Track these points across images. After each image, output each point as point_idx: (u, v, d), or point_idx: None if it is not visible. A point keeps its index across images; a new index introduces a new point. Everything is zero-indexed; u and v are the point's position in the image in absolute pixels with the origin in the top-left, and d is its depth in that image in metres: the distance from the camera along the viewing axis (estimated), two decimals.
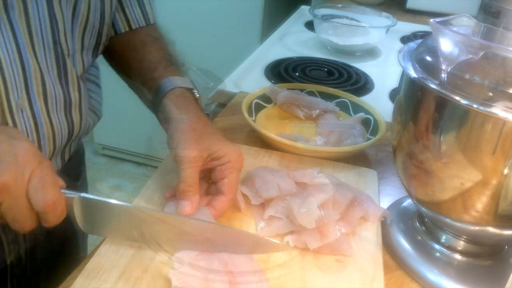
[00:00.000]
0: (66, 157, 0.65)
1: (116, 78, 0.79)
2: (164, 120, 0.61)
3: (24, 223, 0.44)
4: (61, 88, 0.57)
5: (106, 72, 0.76)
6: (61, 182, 0.46)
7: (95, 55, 0.64)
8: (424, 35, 1.36)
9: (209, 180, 0.59)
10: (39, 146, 0.56)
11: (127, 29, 0.69)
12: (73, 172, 0.73)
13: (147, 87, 0.65)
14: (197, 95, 0.63)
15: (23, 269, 0.66)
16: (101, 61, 0.75)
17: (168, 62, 0.67)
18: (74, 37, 0.58)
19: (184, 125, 0.56)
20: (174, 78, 0.62)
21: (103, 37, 0.64)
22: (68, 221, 0.47)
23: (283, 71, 1.06)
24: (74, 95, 0.59)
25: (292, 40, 1.32)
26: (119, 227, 0.50)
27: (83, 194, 0.47)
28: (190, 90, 0.63)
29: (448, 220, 0.51)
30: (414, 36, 1.45)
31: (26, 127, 0.54)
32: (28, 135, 0.54)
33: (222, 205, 0.55)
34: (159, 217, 0.51)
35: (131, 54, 0.69)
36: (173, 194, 0.57)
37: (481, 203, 0.46)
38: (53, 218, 0.44)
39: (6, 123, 0.53)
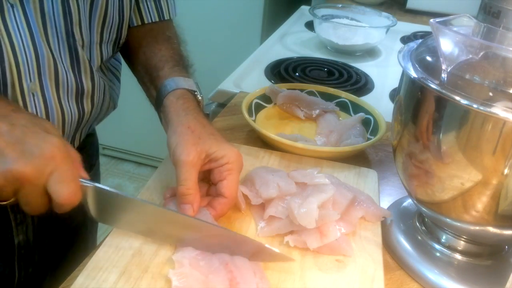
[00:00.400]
0: (76, 143, 0.66)
1: None
2: (164, 121, 0.61)
3: (35, 208, 0.45)
4: (74, 76, 0.59)
5: None
6: (83, 174, 0.48)
7: (115, 48, 0.66)
8: (424, 35, 1.36)
9: (209, 181, 0.59)
10: None
11: (139, 22, 0.69)
12: (86, 162, 0.74)
13: (153, 85, 0.65)
14: (200, 98, 0.63)
15: (31, 251, 0.67)
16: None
17: (176, 62, 0.67)
18: (92, 29, 0.60)
19: (181, 127, 0.56)
20: (178, 79, 0.62)
21: (123, 32, 0.65)
22: (78, 210, 0.47)
23: (283, 71, 1.06)
24: (87, 84, 0.61)
25: (292, 40, 1.32)
26: (128, 218, 0.51)
27: (98, 185, 0.48)
28: (192, 92, 0.62)
29: (448, 220, 0.51)
30: (414, 36, 1.45)
31: (36, 111, 0.56)
32: None
33: (222, 206, 0.55)
34: (163, 214, 0.52)
35: (142, 50, 0.69)
36: (173, 194, 0.57)
37: (481, 203, 0.46)
38: (66, 208, 0.45)
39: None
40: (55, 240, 0.71)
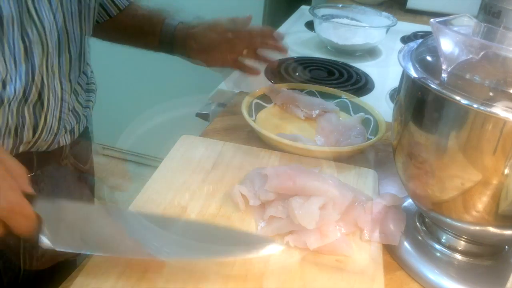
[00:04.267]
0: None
1: (116, 78, 0.79)
2: (184, 35, 0.83)
3: None
4: None
5: (106, 72, 0.76)
6: (28, 188, 0.42)
7: None
8: (425, 35, 1.36)
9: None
10: None
11: (118, 11, 0.80)
12: (80, 155, 0.75)
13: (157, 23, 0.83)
14: None
15: None
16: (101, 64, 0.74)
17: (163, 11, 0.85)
18: None
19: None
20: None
21: None
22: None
23: (283, 71, 1.06)
24: None
25: (292, 40, 1.32)
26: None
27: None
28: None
29: (448, 220, 0.51)
30: (414, 36, 1.44)
31: None
32: None
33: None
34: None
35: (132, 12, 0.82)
36: None
37: (481, 203, 0.46)
38: (20, 225, 0.40)
39: None
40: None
